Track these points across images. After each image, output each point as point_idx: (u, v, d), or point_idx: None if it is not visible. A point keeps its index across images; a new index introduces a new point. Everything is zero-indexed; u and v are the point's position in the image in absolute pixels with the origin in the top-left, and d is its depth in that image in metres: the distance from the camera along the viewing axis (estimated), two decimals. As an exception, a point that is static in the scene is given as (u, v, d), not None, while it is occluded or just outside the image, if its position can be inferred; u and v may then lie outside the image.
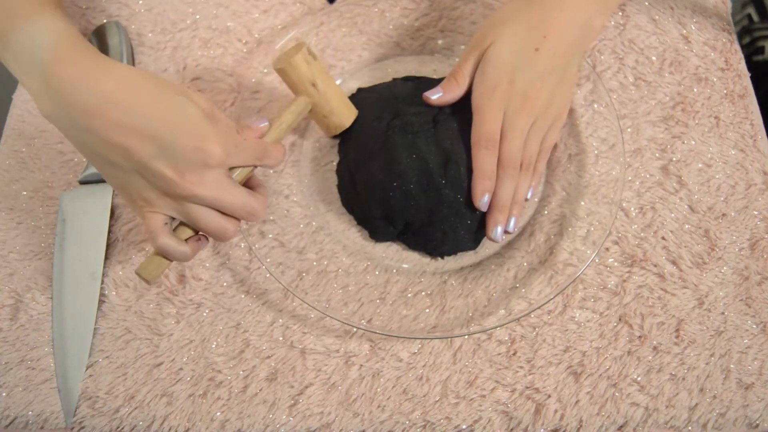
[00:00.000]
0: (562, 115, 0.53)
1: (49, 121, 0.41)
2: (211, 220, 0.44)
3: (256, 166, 0.47)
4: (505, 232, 0.52)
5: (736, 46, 0.63)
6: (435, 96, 0.52)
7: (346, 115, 0.55)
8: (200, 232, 0.46)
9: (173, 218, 0.44)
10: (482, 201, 0.50)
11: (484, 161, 0.50)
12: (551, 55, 0.50)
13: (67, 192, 0.57)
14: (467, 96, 0.53)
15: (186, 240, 0.45)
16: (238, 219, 0.46)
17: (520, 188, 0.52)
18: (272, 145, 0.48)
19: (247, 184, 0.47)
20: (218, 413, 0.49)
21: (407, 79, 0.59)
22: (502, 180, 0.51)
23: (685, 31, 0.64)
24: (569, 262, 0.53)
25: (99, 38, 0.62)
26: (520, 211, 0.52)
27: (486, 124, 0.50)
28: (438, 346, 0.51)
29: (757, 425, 0.48)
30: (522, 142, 0.51)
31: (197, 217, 0.44)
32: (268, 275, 0.54)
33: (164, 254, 0.44)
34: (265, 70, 0.61)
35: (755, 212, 0.56)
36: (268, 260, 0.53)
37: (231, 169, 0.45)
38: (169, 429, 0.49)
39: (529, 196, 0.53)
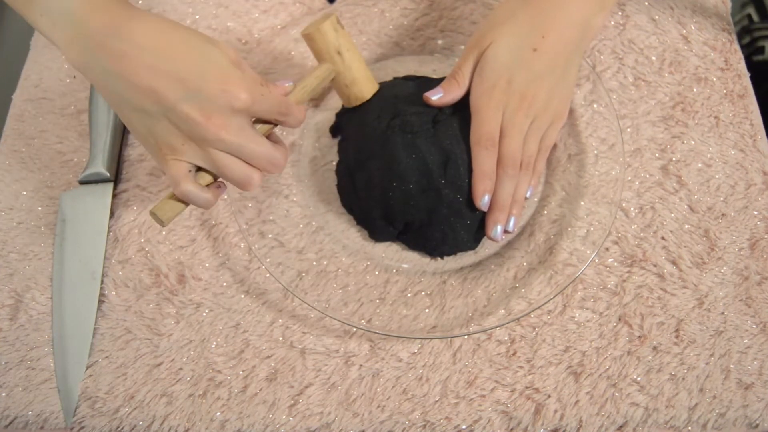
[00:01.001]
0: (561, 114, 0.53)
1: (79, 71, 0.43)
2: (236, 168, 0.45)
3: (276, 124, 0.48)
4: (505, 231, 0.52)
5: (736, 46, 0.63)
6: (435, 97, 0.52)
7: (367, 88, 0.55)
8: (219, 179, 0.46)
9: (197, 168, 0.45)
10: (483, 201, 0.51)
11: (484, 161, 0.50)
12: (549, 55, 0.50)
13: (67, 192, 0.57)
14: (467, 96, 0.53)
15: (207, 186, 0.46)
16: (260, 170, 0.46)
17: (519, 187, 0.52)
18: (295, 104, 0.48)
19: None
20: (218, 413, 0.49)
21: (408, 78, 0.59)
22: (502, 179, 0.51)
23: (684, 31, 0.64)
24: (569, 262, 0.53)
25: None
26: (519, 210, 0.53)
27: (485, 123, 0.50)
28: (438, 346, 0.51)
29: (757, 425, 0.48)
30: (521, 141, 0.51)
31: (222, 164, 0.44)
32: (267, 275, 0.54)
33: (187, 200, 0.45)
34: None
35: (755, 212, 0.56)
36: (268, 260, 0.53)
37: (254, 123, 0.46)
38: (169, 429, 0.49)
39: (528, 195, 0.53)
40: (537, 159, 0.53)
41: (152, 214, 0.45)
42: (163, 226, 0.46)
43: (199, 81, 0.41)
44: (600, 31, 0.61)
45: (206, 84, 0.42)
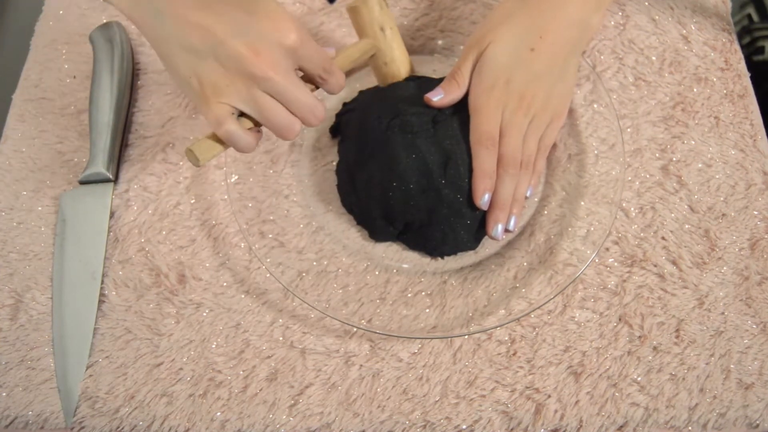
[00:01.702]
0: (560, 114, 0.53)
1: (128, 16, 0.44)
2: (280, 112, 0.45)
3: (318, 86, 0.48)
4: (506, 230, 0.52)
5: (736, 46, 0.63)
6: (436, 98, 0.52)
7: (405, 68, 0.56)
8: (259, 127, 0.47)
9: (240, 114, 0.45)
10: (483, 200, 0.51)
11: (485, 160, 0.51)
12: (547, 55, 0.51)
13: (67, 192, 0.57)
14: (467, 96, 0.53)
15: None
16: (301, 119, 0.47)
17: (520, 186, 0.52)
18: (337, 67, 0.49)
19: None
20: (218, 413, 0.49)
21: (408, 79, 0.59)
22: (503, 178, 0.51)
23: (684, 31, 0.64)
24: (569, 262, 0.53)
25: (99, 38, 0.62)
26: (520, 209, 0.53)
27: (485, 123, 0.51)
28: (438, 346, 0.51)
29: (757, 425, 0.48)
30: (521, 140, 0.51)
31: (266, 106, 0.44)
32: (268, 275, 0.54)
33: (228, 140, 0.45)
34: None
35: (755, 212, 0.56)
36: (268, 260, 0.53)
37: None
38: (169, 429, 0.49)
39: (528, 195, 0.53)
40: (537, 158, 0.53)
41: (188, 151, 0.45)
42: (198, 165, 0.45)
43: (249, 18, 0.42)
44: (598, 30, 0.61)
45: (257, 21, 0.42)
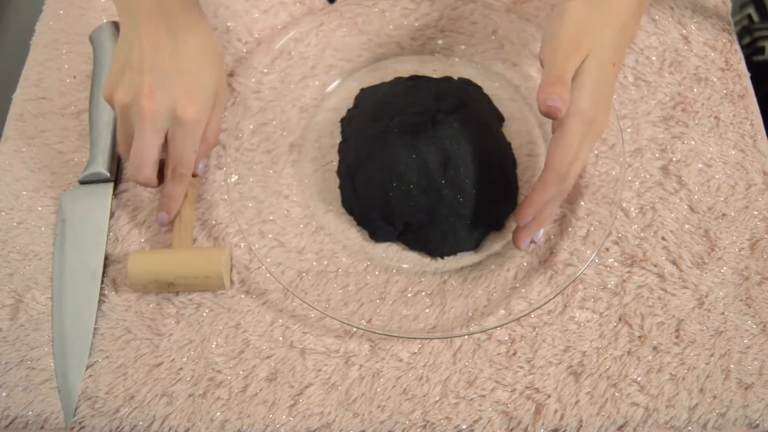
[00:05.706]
0: None
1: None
2: (123, 138, 0.53)
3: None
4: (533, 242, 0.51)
5: (736, 46, 0.63)
6: (563, 109, 0.46)
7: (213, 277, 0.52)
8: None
9: None
10: (525, 221, 0.49)
11: (550, 192, 0.48)
12: (618, 69, 0.49)
13: (67, 192, 0.57)
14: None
15: None
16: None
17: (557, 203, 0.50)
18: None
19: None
20: (218, 413, 0.49)
21: (409, 78, 0.59)
22: (556, 200, 0.49)
23: (685, 31, 0.64)
24: (569, 262, 0.53)
25: (99, 38, 0.62)
26: (550, 222, 0.53)
27: (570, 153, 0.47)
28: (438, 346, 0.51)
29: (757, 425, 0.48)
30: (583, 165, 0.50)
31: (120, 125, 0.52)
32: (268, 275, 0.54)
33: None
34: (265, 70, 0.61)
35: (755, 212, 0.56)
36: (268, 260, 0.53)
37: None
38: (169, 429, 0.49)
39: None
40: None
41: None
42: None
43: (176, 75, 0.50)
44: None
45: (179, 79, 0.50)
